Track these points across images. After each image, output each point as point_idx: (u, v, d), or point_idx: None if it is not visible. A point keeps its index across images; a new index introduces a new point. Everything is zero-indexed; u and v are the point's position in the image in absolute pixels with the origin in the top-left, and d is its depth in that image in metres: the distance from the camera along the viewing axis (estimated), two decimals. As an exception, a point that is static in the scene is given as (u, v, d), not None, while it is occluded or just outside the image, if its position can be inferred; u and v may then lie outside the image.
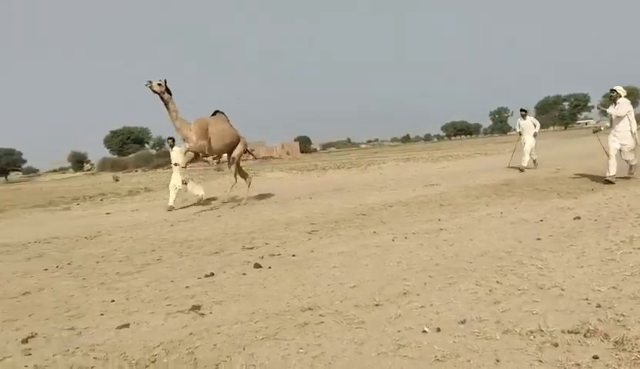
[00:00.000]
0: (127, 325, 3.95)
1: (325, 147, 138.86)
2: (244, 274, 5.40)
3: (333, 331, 3.51)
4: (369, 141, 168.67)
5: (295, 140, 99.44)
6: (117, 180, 34.28)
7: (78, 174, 69.82)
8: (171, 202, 13.28)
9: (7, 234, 10.52)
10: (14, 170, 74.18)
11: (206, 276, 5.39)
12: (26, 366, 3.24)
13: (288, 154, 77.99)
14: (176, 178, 13.42)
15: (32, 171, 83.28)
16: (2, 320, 4.27)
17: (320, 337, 3.43)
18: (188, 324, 3.89)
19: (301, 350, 3.23)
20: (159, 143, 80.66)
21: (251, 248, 6.82)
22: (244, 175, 13.31)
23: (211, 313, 4.14)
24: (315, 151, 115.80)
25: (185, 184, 13.07)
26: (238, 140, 12.47)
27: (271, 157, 67.03)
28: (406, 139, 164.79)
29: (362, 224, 8.03)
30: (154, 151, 74.56)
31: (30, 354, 3.44)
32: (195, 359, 3.21)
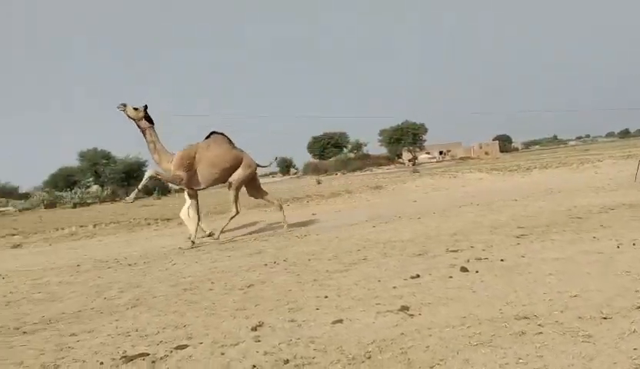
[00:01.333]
0: (340, 321, 4.15)
1: (528, 145, 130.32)
2: (450, 277, 5.31)
3: (555, 343, 3.25)
4: (579, 138, 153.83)
5: (494, 139, 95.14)
6: (319, 182, 36.42)
7: (286, 177, 75.87)
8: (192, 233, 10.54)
9: (230, 233, 11.85)
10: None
11: (412, 277, 5.42)
12: (257, 351, 3.59)
13: (486, 154, 74.93)
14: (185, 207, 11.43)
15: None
16: (235, 309, 4.81)
17: (540, 348, 3.20)
18: (398, 324, 3.94)
19: (520, 361, 3.05)
20: (356, 146, 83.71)
21: (456, 251, 6.68)
22: (268, 199, 11.62)
23: (420, 314, 4.15)
24: (515, 150, 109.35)
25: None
26: (239, 163, 10.60)
27: (469, 157, 65.02)
28: (625, 134, 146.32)
29: (579, 229, 7.34)
30: (351, 155, 77.63)
31: (259, 341, 3.81)
32: (409, 359, 3.24)
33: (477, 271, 5.40)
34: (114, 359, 3.69)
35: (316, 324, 4.13)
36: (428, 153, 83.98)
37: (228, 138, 10.67)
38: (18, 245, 13.69)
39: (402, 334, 3.71)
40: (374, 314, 4.25)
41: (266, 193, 11.75)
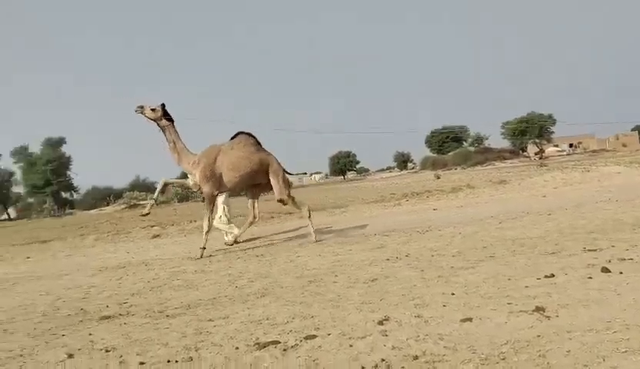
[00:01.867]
0: (470, 319, 4.01)
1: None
2: (589, 277, 4.93)
3: None
4: None
5: (633, 129, 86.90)
6: (438, 177, 35.63)
7: (403, 172, 75.17)
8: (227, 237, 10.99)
9: (353, 226, 11.97)
10: (349, 170, 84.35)
11: (546, 276, 5.10)
12: (385, 345, 3.59)
13: (624, 146, 68.69)
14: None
15: (364, 171, 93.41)
16: (360, 302, 4.84)
17: None
18: (533, 325, 3.73)
19: (680, 373, 2.75)
20: (477, 140, 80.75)
21: (594, 250, 6.19)
22: (297, 206, 10.58)
23: (557, 316, 3.89)
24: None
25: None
26: (264, 168, 9.79)
27: (603, 150, 60.02)
28: None
29: None
30: (472, 149, 75.04)
31: (386, 335, 3.80)
32: (548, 363, 3.05)
33: (621, 272, 4.96)
34: (248, 345, 3.87)
35: (444, 321, 4.03)
36: (556, 146, 78.89)
37: (255, 139, 10.03)
38: (157, 235, 14.91)
39: (539, 336, 3.50)
40: (506, 314, 4.06)
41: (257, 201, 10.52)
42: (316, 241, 9.84)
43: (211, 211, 9.77)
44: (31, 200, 52.67)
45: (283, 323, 4.41)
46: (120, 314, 5.37)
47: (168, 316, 5.10)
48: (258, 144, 10.03)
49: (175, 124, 9.67)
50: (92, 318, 5.32)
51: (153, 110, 9.49)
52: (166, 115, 9.56)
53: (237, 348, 3.83)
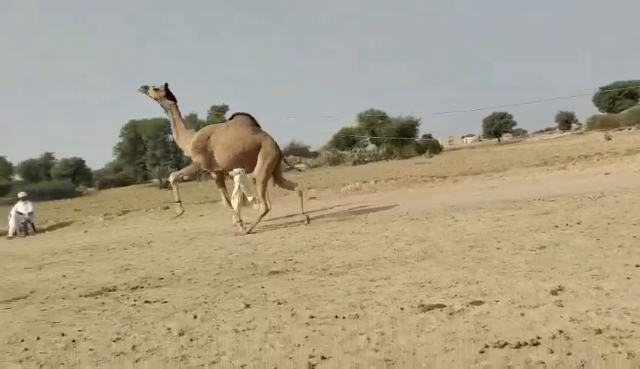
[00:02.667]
0: (661, 294, 3.60)
1: None
2: None
3: None
4: None
5: None
6: (609, 138, 32.34)
7: (566, 133, 69.38)
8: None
9: (511, 192, 11.36)
10: (505, 132, 79.78)
11: None
12: (561, 317, 3.36)
13: None
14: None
15: (521, 133, 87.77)
16: (528, 270, 4.59)
17: None
18: None
19: None
20: (656, 96, 71.49)
21: None
22: (289, 186, 10.76)
23: None
24: None
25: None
26: (257, 149, 9.73)
27: None
28: None
29: None
30: (649, 106, 66.56)
31: (562, 306, 3.56)
32: None
33: None
34: (412, 307, 3.88)
35: (629, 295, 3.66)
36: None
37: (253, 120, 10.09)
38: (314, 197, 15.54)
39: None
40: None
41: (285, 180, 10.79)
42: (307, 224, 9.70)
43: (225, 189, 10.34)
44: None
45: (447, 287, 4.34)
46: (287, 270, 5.71)
47: (331, 274, 5.30)
48: (256, 125, 10.09)
49: (177, 104, 10.04)
50: (262, 273, 5.72)
51: (156, 90, 9.86)
52: (169, 95, 9.94)
53: (402, 309, 3.85)
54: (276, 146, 10.07)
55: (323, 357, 3.06)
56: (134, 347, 3.60)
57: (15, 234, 14.95)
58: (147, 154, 56.58)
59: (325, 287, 4.75)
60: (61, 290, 5.96)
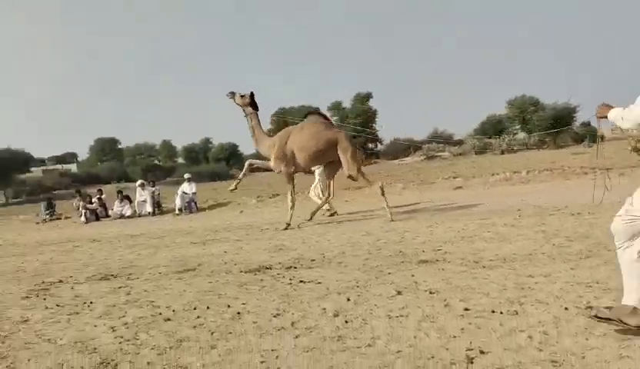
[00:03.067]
0: None
1: None
2: None
3: None
4: None
5: None
6: None
7: None
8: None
9: None
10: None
11: None
12: None
13: None
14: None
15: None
16: None
17: None
18: None
19: None
20: None
21: None
22: (369, 182, 10.15)
23: None
24: None
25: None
26: (332, 145, 9.75)
27: None
28: None
29: None
30: None
31: None
32: None
33: None
34: (578, 307, 3.62)
35: None
36: None
37: (325, 118, 10.47)
38: (460, 187, 15.11)
39: None
40: None
41: (364, 174, 10.24)
42: (392, 221, 9.21)
43: (293, 188, 10.25)
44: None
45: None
46: (436, 260, 5.63)
47: (484, 267, 5.13)
48: (329, 122, 10.29)
49: (258, 113, 10.38)
50: (411, 261, 5.71)
51: (242, 96, 10.23)
52: (252, 104, 10.22)
53: (566, 309, 3.61)
54: (351, 139, 10.44)
55: (482, 352, 2.98)
56: (293, 323, 3.81)
57: (180, 211, 16.52)
58: (294, 141, 59.03)
59: (479, 280, 4.62)
60: (224, 265, 6.48)
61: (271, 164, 10.16)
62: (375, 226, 8.87)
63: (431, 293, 4.31)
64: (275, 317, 4.03)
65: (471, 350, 3.02)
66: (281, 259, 6.52)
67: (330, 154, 9.91)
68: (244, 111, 10.33)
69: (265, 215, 13.26)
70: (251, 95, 10.24)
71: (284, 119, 59.60)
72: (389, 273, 5.21)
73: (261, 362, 3.09)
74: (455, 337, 3.26)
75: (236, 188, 10.64)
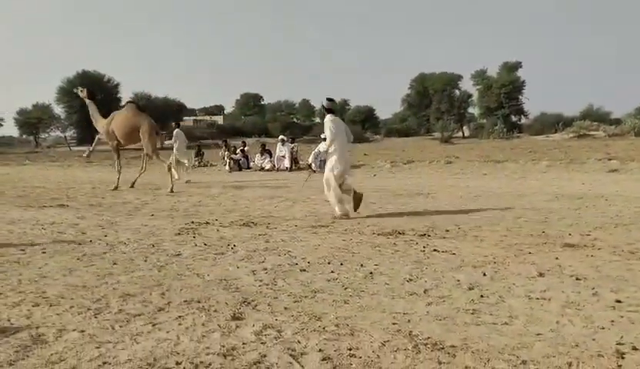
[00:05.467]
0: None
1: None
2: None
3: None
4: None
5: None
6: None
7: None
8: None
9: None
10: None
11: None
12: None
13: None
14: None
15: None
16: None
17: None
18: None
19: None
20: None
21: None
22: (161, 161, 11.87)
23: None
24: None
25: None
26: (136, 128, 11.66)
27: None
28: None
29: None
30: None
31: None
32: None
33: None
34: None
35: None
36: None
37: (137, 106, 12.78)
38: (615, 170, 13.78)
39: None
40: None
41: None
42: (171, 193, 10.80)
43: (118, 158, 12.43)
44: (483, 121, 56.52)
45: None
46: (584, 245, 5.21)
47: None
48: (139, 111, 12.22)
49: (94, 100, 12.69)
50: (555, 243, 5.35)
51: (82, 91, 12.99)
52: (90, 95, 12.63)
53: None
54: (152, 125, 11.78)
55: (634, 348, 2.73)
56: (425, 290, 3.78)
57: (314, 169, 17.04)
58: (432, 108, 57.52)
59: (634, 272, 4.20)
60: (357, 225, 6.58)
61: (104, 138, 12.45)
62: (516, 203, 8.42)
63: (577, 279, 4.01)
64: (407, 281, 4.02)
65: (622, 344, 2.77)
66: (414, 225, 6.47)
67: (136, 135, 11.82)
68: (85, 100, 12.75)
69: (398, 180, 13.21)
70: (89, 90, 13.01)
71: (423, 85, 58.28)
72: (530, 252, 4.94)
73: (393, 323, 3.10)
74: (603, 328, 3.02)
75: (89, 157, 14.23)
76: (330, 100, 7.99)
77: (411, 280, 4.06)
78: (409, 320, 3.16)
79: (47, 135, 54.69)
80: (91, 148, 13.47)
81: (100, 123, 12.43)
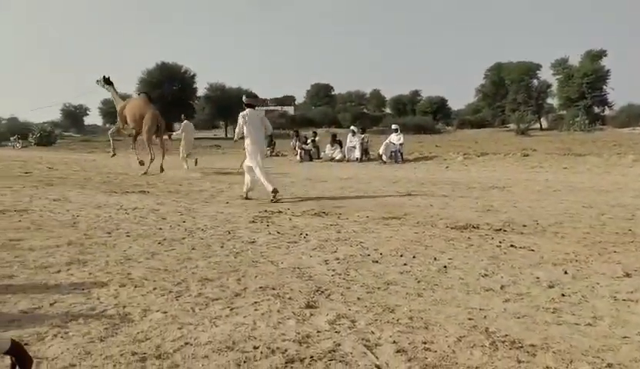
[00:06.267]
0: None
1: None
2: None
3: None
4: None
5: None
6: None
7: None
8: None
9: None
10: None
11: None
12: None
13: None
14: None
15: None
16: None
17: None
18: None
19: None
20: None
21: None
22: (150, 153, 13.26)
23: None
24: None
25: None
26: (142, 116, 13.04)
27: None
28: None
29: None
30: None
31: None
32: None
33: None
34: None
35: None
36: None
37: (148, 96, 14.05)
38: None
39: None
40: None
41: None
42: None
43: (150, 147, 13.34)
44: (562, 112, 53.84)
45: None
46: (677, 246, 4.89)
47: None
48: (148, 101, 13.58)
49: (113, 85, 14.39)
50: (643, 242, 5.05)
51: (98, 81, 14.55)
52: (107, 82, 14.37)
53: None
54: (155, 117, 13.11)
55: None
56: (502, 287, 3.67)
57: (385, 160, 16.91)
58: (508, 98, 55.49)
59: None
60: (430, 218, 6.48)
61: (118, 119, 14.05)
62: (599, 199, 8.00)
63: (669, 282, 3.77)
64: (482, 276, 3.93)
65: None
66: (489, 220, 6.29)
67: (141, 121, 13.06)
68: (104, 87, 14.35)
69: (471, 173, 12.89)
70: (104, 77, 14.34)
71: (499, 74, 56.30)
72: (615, 251, 4.68)
73: (469, 319, 3.04)
74: (697, 335, 2.82)
75: (114, 154, 15.02)
76: (249, 96, 10.21)
77: (486, 275, 3.96)
78: (485, 317, 3.09)
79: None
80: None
81: (119, 105, 14.03)
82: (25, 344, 2.49)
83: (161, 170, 12.86)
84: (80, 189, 9.50)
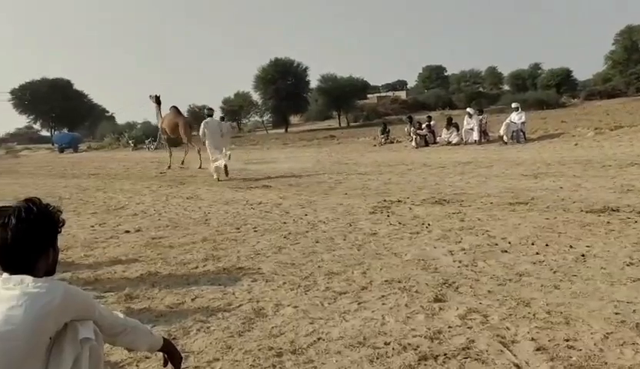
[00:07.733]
0: None
1: None
2: None
3: None
4: None
5: None
6: None
7: None
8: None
9: None
10: None
11: None
12: None
13: None
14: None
15: None
16: None
17: None
18: None
19: None
20: None
21: None
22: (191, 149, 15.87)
23: None
24: None
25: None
26: (176, 125, 15.85)
27: None
28: None
29: None
30: None
31: None
32: None
33: None
34: None
35: None
36: None
37: (177, 109, 16.46)
38: None
39: None
40: None
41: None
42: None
43: (169, 147, 16.85)
44: None
45: None
46: None
47: None
48: (178, 112, 16.37)
49: (160, 105, 16.75)
50: None
51: (151, 97, 16.99)
52: (157, 101, 16.62)
53: None
54: (187, 123, 15.98)
55: None
56: (652, 277, 3.35)
57: (507, 141, 16.08)
58: (644, 64, 50.28)
59: None
60: (561, 202, 6.08)
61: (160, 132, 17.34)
62: None
63: None
64: (627, 265, 3.61)
65: None
66: (630, 201, 5.76)
67: (177, 129, 15.76)
68: (154, 102, 16.65)
69: (605, 150, 11.88)
70: (156, 96, 16.64)
71: (631, 38, 51.06)
72: None
73: (615, 313, 2.81)
74: None
75: (169, 168, 15.66)
76: (209, 109, 13.76)
77: (632, 264, 3.64)
78: (634, 311, 2.84)
79: (247, 120, 59.98)
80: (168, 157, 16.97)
81: (159, 121, 16.90)
82: (173, 338, 2.71)
83: (182, 163, 15.61)
84: (208, 187, 10.11)
